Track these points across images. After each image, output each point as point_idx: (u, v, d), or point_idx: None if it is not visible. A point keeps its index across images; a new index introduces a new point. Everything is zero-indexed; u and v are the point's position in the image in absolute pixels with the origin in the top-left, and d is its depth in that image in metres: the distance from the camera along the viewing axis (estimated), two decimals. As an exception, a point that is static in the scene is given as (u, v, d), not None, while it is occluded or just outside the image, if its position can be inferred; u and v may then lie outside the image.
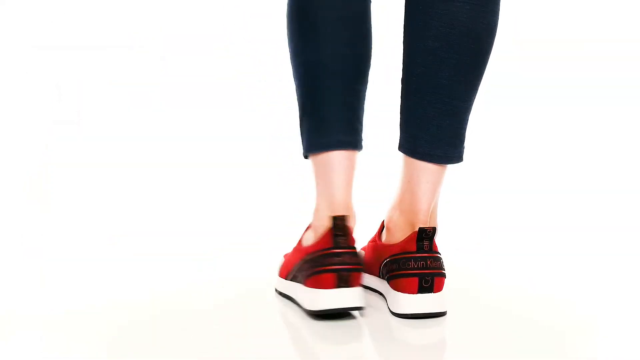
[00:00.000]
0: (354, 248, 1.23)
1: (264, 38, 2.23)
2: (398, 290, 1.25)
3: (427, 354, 1.15)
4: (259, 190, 2.16)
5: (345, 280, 1.20)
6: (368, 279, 1.36)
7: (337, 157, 1.26)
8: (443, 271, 1.25)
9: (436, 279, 1.24)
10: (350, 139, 1.27)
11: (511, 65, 2.31)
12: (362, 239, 1.35)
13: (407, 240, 1.27)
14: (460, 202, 2.01)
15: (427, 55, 1.27)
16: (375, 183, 1.77)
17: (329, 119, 1.27)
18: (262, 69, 2.29)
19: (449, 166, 1.30)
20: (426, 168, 1.28)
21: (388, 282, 1.29)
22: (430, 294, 1.23)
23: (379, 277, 1.34)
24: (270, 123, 2.27)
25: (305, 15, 1.27)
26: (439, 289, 1.24)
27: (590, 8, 2.34)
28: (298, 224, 1.40)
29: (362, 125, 1.30)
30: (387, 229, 1.35)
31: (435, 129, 1.27)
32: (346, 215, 1.23)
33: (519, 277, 1.49)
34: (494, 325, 1.23)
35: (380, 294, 1.34)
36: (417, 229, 1.26)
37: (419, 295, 1.24)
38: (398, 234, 1.31)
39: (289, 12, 1.30)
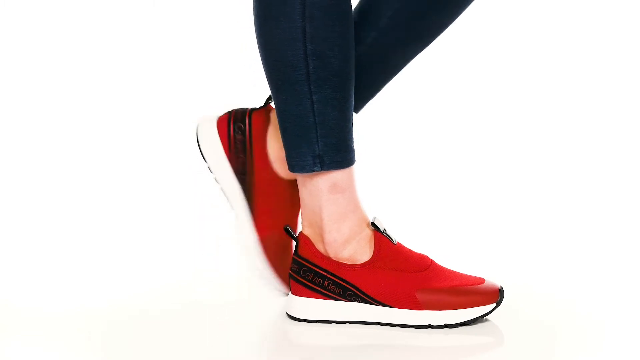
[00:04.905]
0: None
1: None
2: None
3: (426, 354, 1.15)
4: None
5: None
6: None
7: None
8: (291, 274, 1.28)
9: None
10: None
11: (506, 64, 2.31)
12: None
13: None
14: (459, 202, 2.01)
15: None
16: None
17: None
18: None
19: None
20: None
21: None
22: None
23: None
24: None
25: None
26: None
27: (586, 6, 2.34)
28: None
29: None
30: None
31: None
32: None
33: (519, 277, 1.49)
34: (494, 325, 1.23)
35: None
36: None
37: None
38: None
39: None
